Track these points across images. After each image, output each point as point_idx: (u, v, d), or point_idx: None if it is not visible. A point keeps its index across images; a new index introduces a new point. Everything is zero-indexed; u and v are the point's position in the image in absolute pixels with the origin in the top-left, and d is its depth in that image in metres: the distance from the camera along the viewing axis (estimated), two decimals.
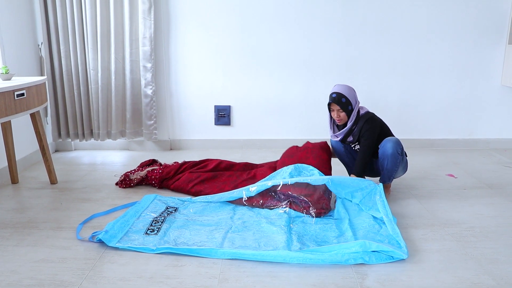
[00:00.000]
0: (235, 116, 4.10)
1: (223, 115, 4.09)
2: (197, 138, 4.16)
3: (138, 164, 3.43)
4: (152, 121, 3.97)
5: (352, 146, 2.93)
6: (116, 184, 3.14)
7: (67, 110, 3.92)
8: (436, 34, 3.86)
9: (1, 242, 2.29)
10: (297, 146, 3.15)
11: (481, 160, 3.69)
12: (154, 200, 2.77)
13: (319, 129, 4.06)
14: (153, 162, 3.42)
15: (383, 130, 2.83)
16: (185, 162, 3.27)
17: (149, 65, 3.84)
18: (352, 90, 2.76)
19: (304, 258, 2.03)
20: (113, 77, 3.84)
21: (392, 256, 2.04)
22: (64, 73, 3.83)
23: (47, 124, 3.98)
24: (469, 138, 4.08)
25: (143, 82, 3.88)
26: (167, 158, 3.84)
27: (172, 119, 4.13)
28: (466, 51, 3.89)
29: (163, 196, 2.86)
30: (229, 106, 4.06)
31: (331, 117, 2.86)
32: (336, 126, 2.91)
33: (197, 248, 2.14)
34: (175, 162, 3.38)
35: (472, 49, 3.89)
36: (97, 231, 2.35)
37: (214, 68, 3.99)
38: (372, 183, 2.62)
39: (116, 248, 2.20)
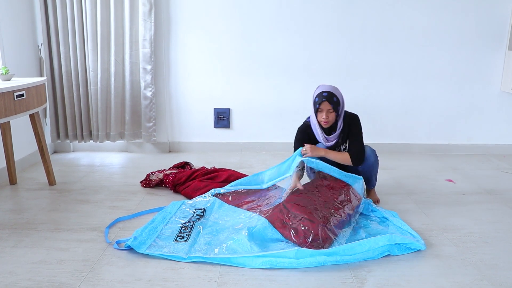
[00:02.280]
0: (234, 119, 4.10)
1: (222, 118, 4.09)
2: (196, 140, 4.16)
3: (169, 166, 3.48)
4: (151, 123, 3.96)
5: (337, 149, 2.76)
6: (140, 182, 3.19)
7: (66, 111, 3.91)
8: (436, 40, 3.87)
9: None
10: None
11: (480, 166, 3.69)
12: (181, 206, 2.69)
13: None
14: (185, 164, 3.44)
15: None
16: (198, 169, 3.23)
17: (149, 67, 3.83)
18: (339, 90, 2.66)
19: (340, 259, 2.05)
20: (112, 79, 3.84)
21: (410, 248, 2.15)
22: (63, 74, 3.83)
23: (46, 125, 3.97)
24: (468, 143, 4.09)
25: (142, 84, 3.87)
26: (166, 161, 3.84)
27: (171, 121, 4.13)
28: (465, 56, 3.90)
29: (189, 201, 2.78)
30: (229, 109, 4.06)
31: (318, 122, 2.65)
32: (323, 129, 2.69)
33: (231, 257, 2.07)
34: (213, 167, 3.37)
35: (472, 55, 3.90)
36: (122, 239, 2.29)
37: (213, 71, 3.99)
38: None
39: (115, 250, 2.19)
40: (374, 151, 2.74)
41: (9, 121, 3.08)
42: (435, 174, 3.45)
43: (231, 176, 3.11)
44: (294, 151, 2.70)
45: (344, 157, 2.64)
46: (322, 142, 2.69)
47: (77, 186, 3.16)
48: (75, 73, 3.83)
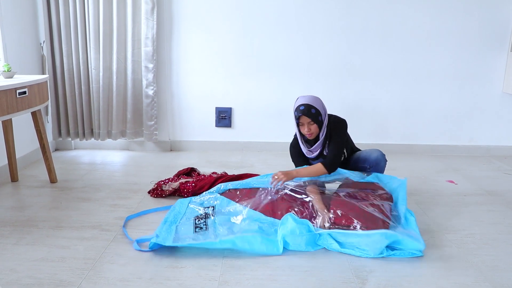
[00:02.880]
0: (236, 118, 4.10)
1: (224, 117, 4.08)
2: (197, 139, 4.16)
3: (175, 173, 3.26)
4: (153, 122, 3.97)
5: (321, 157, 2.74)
6: (148, 192, 2.98)
7: (68, 109, 3.91)
8: (438, 41, 3.86)
9: (0, 241, 2.28)
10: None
11: (481, 167, 3.69)
12: (189, 205, 2.67)
13: None
14: (191, 170, 3.28)
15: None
16: (221, 176, 3.08)
17: (151, 65, 3.83)
18: (319, 99, 2.60)
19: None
20: (114, 77, 3.84)
21: (411, 253, 2.12)
22: (65, 72, 3.83)
23: (48, 122, 3.97)
24: (469, 144, 4.08)
25: (144, 82, 3.87)
26: (167, 159, 3.84)
27: (172, 120, 4.13)
28: (468, 57, 3.89)
29: (196, 198, 2.75)
30: (230, 108, 4.06)
31: (301, 135, 2.66)
32: (306, 142, 2.69)
33: (262, 238, 2.16)
34: (223, 172, 3.28)
35: (474, 56, 3.89)
36: (141, 237, 2.28)
37: (215, 70, 3.99)
38: (396, 178, 2.71)
39: (116, 249, 2.19)
40: (384, 155, 2.75)
41: (11, 119, 3.08)
42: (436, 175, 3.45)
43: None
44: (295, 163, 2.76)
45: (317, 170, 2.57)
46: (306, 154, 2.69)
47: (78, 184, 3.16)
48: (77, 71, 3.84)
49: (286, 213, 2.36)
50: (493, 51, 3.88)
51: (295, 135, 2.74)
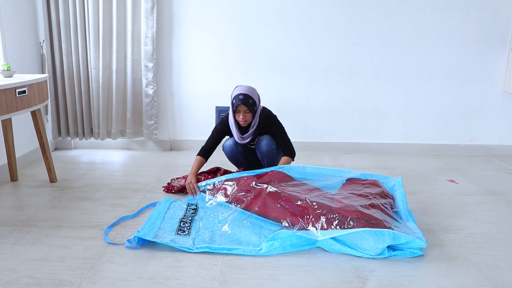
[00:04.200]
0: None
1: (223, 116, 4.06)
2: (197, 138, 4.14)
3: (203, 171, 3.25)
4: (153, 121, 3.96)
5: (249, 145, 3.03)
6: (163, 186, 3.08)
7: (67, 108, 3.91)
8: (439, 40, 3.86)
9: (0, 240, 2.27)
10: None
11: (482, 166, 3.68)
12: (173, 202, 2.73)
13: (320, 132, 4.07)
14: (217, 170, 3.27)
15: None
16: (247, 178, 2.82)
17: (150, 64, 3.83)
18: (255, 90, 2.84)
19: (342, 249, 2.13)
20: (114, 76, 3.83)
21: (412, 252, 2.11)
22: (65, 71, 3.82)
23: (47, 122, 3.97)
24: (470, 144, 4.08)
25: (144, 81, 3.86)
26: (167, 159, 3.83)
27: (172, 119, 4.12)
28: (469, 57, 3.89)
29: (181, 199, 2.81)
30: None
31: (235, 121, 2.87)
32: (239, 128, 2.92)
33: (237, 248, 2.16)
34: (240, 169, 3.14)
35: (475, 55, 3.88)
36: (130, 238, 2.26)
37: (215, 69, 3.98)
38: (390, 178, 2.73)
39: (116, 248, 2.19)
40: (271, 144, 2.89)
41: (10, 118, 3.07)
42: (437, 175, 3.44)
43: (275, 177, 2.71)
44: (211, 136, 3.03)
45: (285, 162, 2.84)
46: (237, 140, 2.92)
47: (78, 184, 3.16)
48: (76, 70, 3.83)
49: (278, 216, 2.38)
50: (494, 50, 3.87)
51: (224, 119, 2.97)
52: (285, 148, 2.91)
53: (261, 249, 2.15)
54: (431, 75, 3.94)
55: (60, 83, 3.86)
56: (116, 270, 2.00)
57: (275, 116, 2.96)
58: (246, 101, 2.73)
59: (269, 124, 2.91)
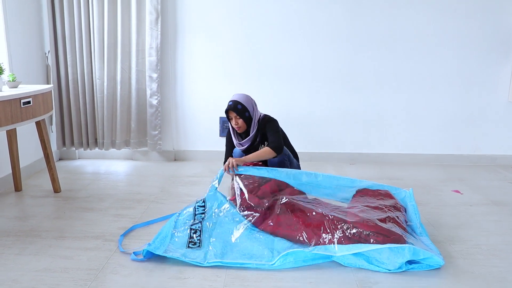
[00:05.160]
0: None
1: (228, 127, 4.07)
2: (201, 149, 4.15)
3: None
4: (157, 132, 3.97)
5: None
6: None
7: (72, 118, 3.92)
8: (443, 48, 3.86)
9: (3, 251, 2.27)
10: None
11: (487, 177, 3.66)
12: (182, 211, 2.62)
13: (324, 141, 4.06)
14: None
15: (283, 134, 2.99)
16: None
17: (155, 75, 3.84)
18: (249, 98, 2.88)
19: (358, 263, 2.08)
20: (118, 87, 3.85)
21: (429, 265, 2.08)
22: (70, 81, 3.84)
23: (52, 132, 3.98)
24: (474, 154, 4.05)
25: (148, 92, 3.88)
26: (171, 169, 3.83)
27: (177, 129, 4.13)
28: (473, 66, 3.88)
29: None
30: None
31: (233, 128, 2.92)
32: (238, 135, 2.95)
33: (250, 263, 2.13)
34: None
35: (479, 64, 3.88)
36: (138, 250, 2.24)
37: (219, 78, 3.99)
38: (401, 190, 2.67)
39: (119, 259, 2.18)
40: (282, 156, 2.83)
41: (15, 128, 3.08)
42: (441, 185, 3.42)
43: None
44: (226, 146, 3.03)
45: (265, 152, 2.74)
46: (236, 146, 2.95)
47: (82, 194, 3.16)
48: (81, 81, 3.85)
49: (292, 234, 2.33)
50: (498, 59, 3.86)
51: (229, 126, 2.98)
52: (272, 141, 2.75)
53: (274, 264, 2.11)
54: (435, 83, 3.93)
55: (65, 93, 3.88)
56: (119, 281, 1.99)
57: (275, 119, 2.90)
58: (235, 107, 2.79)
59: (267, 126, 2.85)
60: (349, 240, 2.16)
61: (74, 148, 4.03)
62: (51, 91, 3.10)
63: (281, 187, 2.65)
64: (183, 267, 2.10)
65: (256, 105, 2.90)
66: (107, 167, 3.92)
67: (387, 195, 2.59)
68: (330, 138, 4.07)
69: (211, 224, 2.44)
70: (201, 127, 4.10)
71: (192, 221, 2.46)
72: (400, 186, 2.95)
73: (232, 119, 2.85)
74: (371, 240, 2.12)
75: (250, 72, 3.97)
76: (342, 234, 2.18)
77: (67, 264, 2.14)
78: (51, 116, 3.95)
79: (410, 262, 2.09)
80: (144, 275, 2.04)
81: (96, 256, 2.22)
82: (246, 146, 2.88)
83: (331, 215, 2.31)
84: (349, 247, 2.10)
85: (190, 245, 2.29)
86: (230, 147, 3.02)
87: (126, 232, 2.49)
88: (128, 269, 2.09)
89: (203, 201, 2.58)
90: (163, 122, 4.06)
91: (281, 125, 3.98)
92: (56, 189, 3.17)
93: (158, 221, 2.67)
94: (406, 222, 2.41)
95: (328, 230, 2.22)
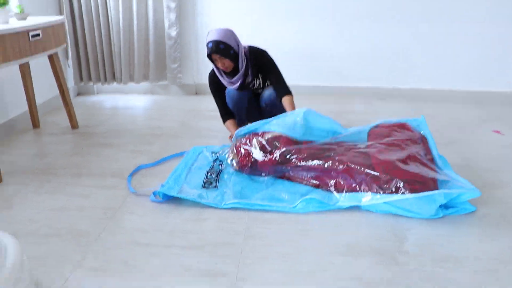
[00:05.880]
0: None
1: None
2: None
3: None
4: (176, 65, 3.78)
5: (252, 88, 2.76)
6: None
7: (88, 52, 3.76)
8: None
9: (20, 189, 2.22)
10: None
11: None
12: (202, 152, 2.55)
13: (351, 77, 3.81)
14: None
15: None
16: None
17: (173, 4, 3.60)
18: (228, 32, 2.57)
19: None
20: (135, 18, 3.63)
21: (465, 208, 1.93)
22: (84, 13, 3.64)
23: (69, 67, 3.84)
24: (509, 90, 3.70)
25: (166, 23, 3.65)
26: (192, 103, 3.69)
27: (197, 62, 3.93)
28: None
29: (210, 146, 2.64)
30: None
31: (218, 68, 2.66)
32: (226, 74, 2.68)
33: (270, 205, 1.99)
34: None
35: None
36: (155, 190, 2.12)
37: (242, 9, 3.72)
38: (411, 120, 2.44)
39: (137, 198, 2.09)
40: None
41: (28, 64, 2.95)
42: (480, 124, 3.14)
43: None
44: (215, 99, 2.81)
45: (289, 105, 2.61)
46: (227, 86, 2.71)
47: (100, 130, 3.07)
48: (95, 13, 3.64)
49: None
50: None
51: (212, 69, 2.75)
52: (282, 87, 2.67)
53: (295, 207, 1.98)
54: (465, 16, 3.53)
55: (79, 26, 3.69)
56: (136, 221, 1.92)
57: (264, 51, 2.69)
58: (217, 48, 2.51)
59: (261, 60, 2.67)
60: (378, 190, 1.97)
61: (91, 83, 3.91)
62: (63, 23, 2.92)
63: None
64: (202, 208, 2.00)
65: (237, 36, 2.61)
66: (126, 101, 3.80)
67: (403, 127, 2.36)
68: (357, 72, 3.80)
69: (228, 175, 2.30)
70: None
71: (209, 168, 2.36)
72: (434, 124, 2.73)
73: (216, 61, 2.58)
74: (406, 191, 1.91)
75: (274, 4, 3.67)
76: (369, 183, 1.99)
77: (83, 202, 2.08)
78: (67, 51, 3.79)
79: (445, 206, 1.93)
80: (162, 217, 1.95)
81: (113, 194, 2.15)
82: (238, 83, 2.65)
83: (353, 164, 2.07)
84: (377, 198, 1.92)
85: (206, 185, 2.18)
86: (221, 95, 2.77)
87: (133, 172, 2.38)
88: (145, 209, 2.01)
89: (220, 160, 2.44)
90: (183, 54, 3.86)
91: (306, 59, 3.75)
92: (74, 125, 3.09)
93: (168, 158, 2.55)
94: (427, 156, 2.20)
95: (356, 180, 2.03)
